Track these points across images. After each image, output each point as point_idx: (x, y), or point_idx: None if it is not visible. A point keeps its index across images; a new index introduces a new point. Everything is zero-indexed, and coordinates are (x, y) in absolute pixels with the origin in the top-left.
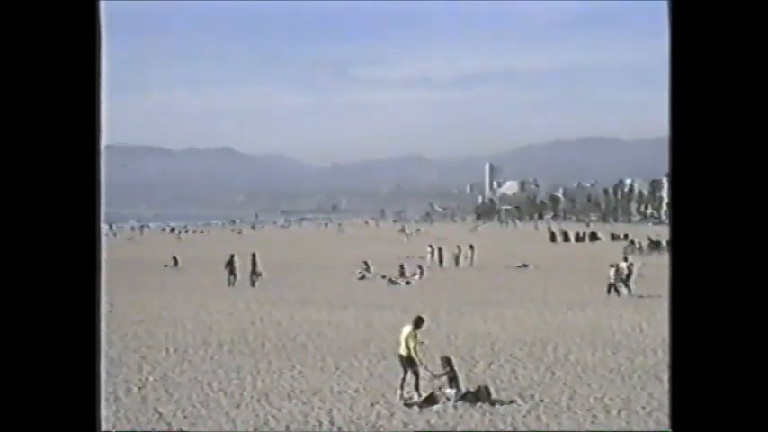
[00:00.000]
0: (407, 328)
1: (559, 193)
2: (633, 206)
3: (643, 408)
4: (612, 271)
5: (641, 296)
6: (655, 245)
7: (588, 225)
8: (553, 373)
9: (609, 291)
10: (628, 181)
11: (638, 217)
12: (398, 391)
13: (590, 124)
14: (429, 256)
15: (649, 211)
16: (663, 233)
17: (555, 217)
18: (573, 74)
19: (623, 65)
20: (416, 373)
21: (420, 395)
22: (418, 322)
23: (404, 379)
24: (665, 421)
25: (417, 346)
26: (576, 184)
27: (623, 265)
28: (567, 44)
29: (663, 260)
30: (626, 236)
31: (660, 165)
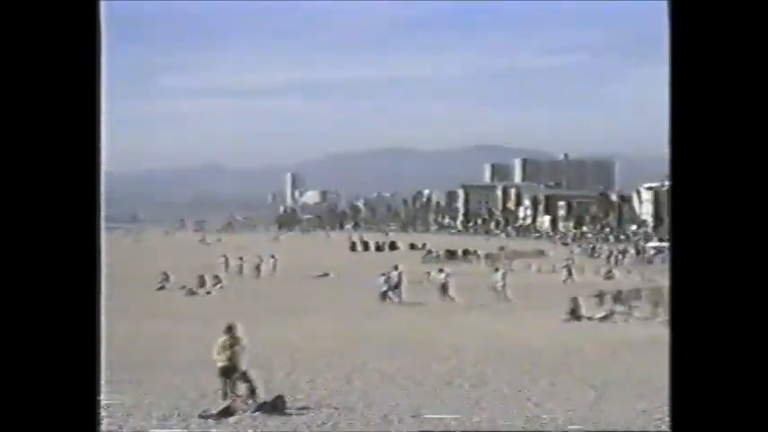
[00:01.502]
0: (222, 338)
1: (360, 203)
2: (431, 216)
3: (434, 413)
4: (382, 279)
5: (414, 303)
6: (451, 254)
7: (388, 234)
8: (350, 381)
9: (383, 298)
10: (426, 192)
11: (436, 227)
12: (221, 402)
13: (390, 136)
14: (223, 266)
15: (446, 220)
16: (459, 242)
17: (356, 226)
18: (375, 86)
19: (422, 78)
20: (247, 380)
21: (256, 401)
22: (229, 329)
23: (224, 391)
24: (455, 426)
25: (236, 352)
26: (376, 194)
27: (394, 273)
28: (371, 57)
29: (460, 269)
30: (424, 245)
31: (456, 176)
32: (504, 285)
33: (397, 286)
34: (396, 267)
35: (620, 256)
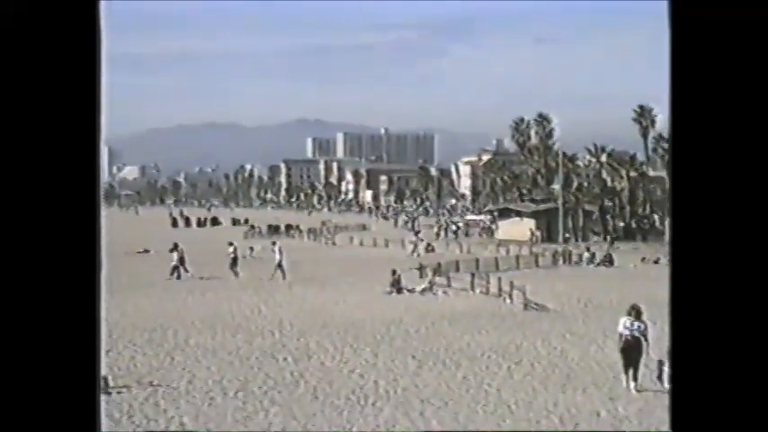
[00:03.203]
0: None
1: (181, 178)
2: (253, 191)
3: (260, 387)
4: (176, 255)
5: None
6: (274, 229)
7: (210, 210)
8: (173, 359)
9: (172, 273)
10: (248, 166)
11: (259, 202)
12: None
13: (212, 110)
14: None
15: (269, 195)
16: (281, 217)
17: (176, 202)
18: (197, 61)
19: (246, 54)
20: None
21: None
22: None
23: None
24: (279, 399)
25: None
26: (197, 169)
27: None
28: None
29: (282, 243)
30: (246, 220)
31: (278, 151)
32: (280, 261)
33: (236, 262)
34: (231, 244)
35: (440, 230)
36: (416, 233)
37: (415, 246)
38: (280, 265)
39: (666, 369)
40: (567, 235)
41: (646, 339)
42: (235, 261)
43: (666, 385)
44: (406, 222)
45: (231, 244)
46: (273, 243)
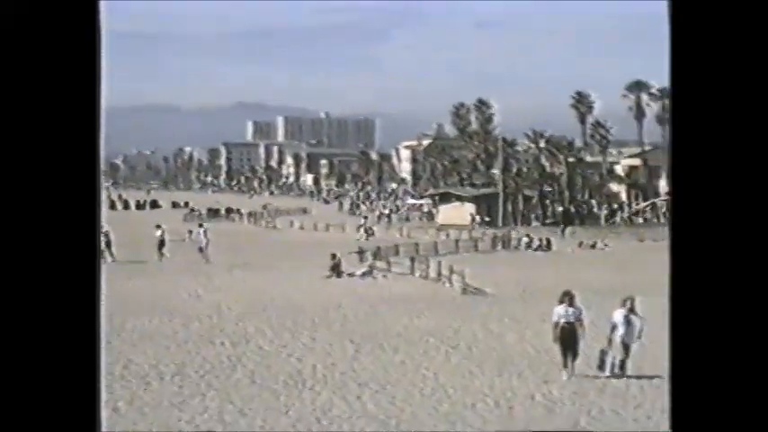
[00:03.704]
0: None
1: (119, 161)
2: (193, 174)
3: (196, 371)
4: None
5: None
6: (214, 212)
7: (149, 193)
8: (109, 342)
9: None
10: (188, 149)
11: (199, 185)
12: None
13: (151, 92)
14: None
15: (209, 179)
16: (222, 200)
17: (115, 184)
18: (135, 41)
19: (185, 35)
20: None
21: None
22: None
23: None
24: (216, 383)
25: None
26: (136, 151)
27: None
28: (131, 11)
29: (222, 227)
30: (186, 203)
31: (218, 134)
32: (206, 243)
33: (163, 245)
34: (158, 227)
35: (380, 214)
36: (365, 218)
37: (366, 230)
38: (202, 250)
39: (608, 358)
40: (507, 220)
41: (581, 324)
42: (162, 244)
43: (608, 372)
44: (351, 207)
45: (159, 227)
46: (200, 225)
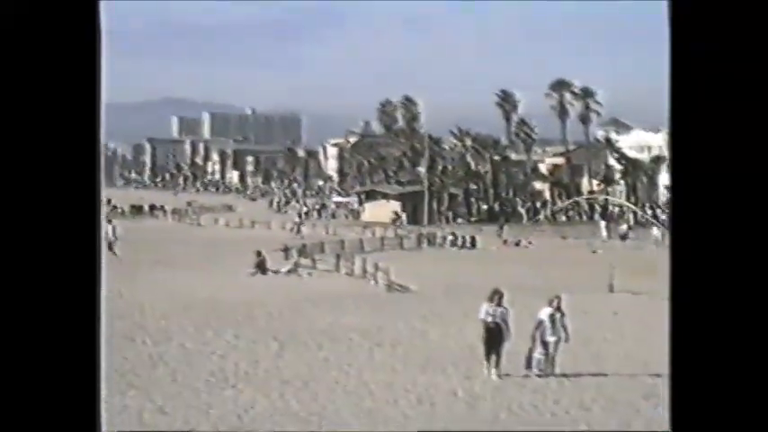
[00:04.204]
0: None
1: None
2: (117, 170)
3: (117, 370)
4: None
5: None
6: (137, 209)
7: None
8: None
9: None
10: (111, 145)
11: (122, 181)
12: None
13: None
14: None
15: (133, 175)
16: (146, 197)
17: None
18: None
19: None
20: None
21: None
22: None
23: None
24: (137, 382)
25: None
26: None
27: None
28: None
29: (146, 224)
30: (109, 200)
31: (143, 130)
32: (115, 240)
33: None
34: None
35: (306, 211)
36: (299, 215)
37: (292, 227)
38: (111, 246)
39: (536, 355)
40: (432, 217)
41: (507, 325)
42: None
43: (535, 371)
44: (277, 204)
45: None
46: (109, 221)
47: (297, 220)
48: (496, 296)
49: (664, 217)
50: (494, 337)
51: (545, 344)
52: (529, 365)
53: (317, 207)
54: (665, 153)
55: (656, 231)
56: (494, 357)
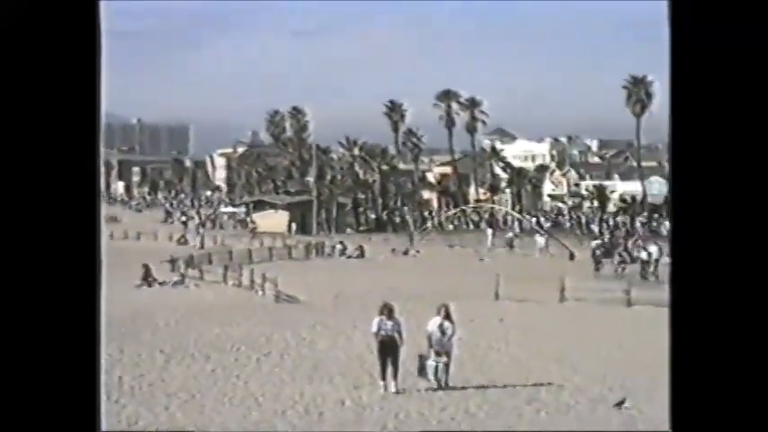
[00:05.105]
0: None
1: None
2: None
3: None
4: None
5: None
6: None
7: None
8: None
9: None
10: None
11: None
12: None
13: None
14: None
15: None
16: None
17: None
18: None
19: None
20: None
21: None
22: None
23: None
24: None
25: None
26: None
27: None
28: None
29: None
30: None
31: None
32: None
33: None
34: None
35: (195, 222)
36: (185, 225)
37: (179, 238)
38: None
39: (430, 362)
40: (321, 227)
41: (401, 337)
42: None
43: (431, 378)
44: (164, 215)
45: None
46: None
47: (184, 231)
48: (386, 310)
49: (547, 225)
50: (388, 350)
51: (438, 353)
52: (421, 373)
53: (206, 218)
54: (549, 162)
55: (540, 239)
56: (391, 370)
